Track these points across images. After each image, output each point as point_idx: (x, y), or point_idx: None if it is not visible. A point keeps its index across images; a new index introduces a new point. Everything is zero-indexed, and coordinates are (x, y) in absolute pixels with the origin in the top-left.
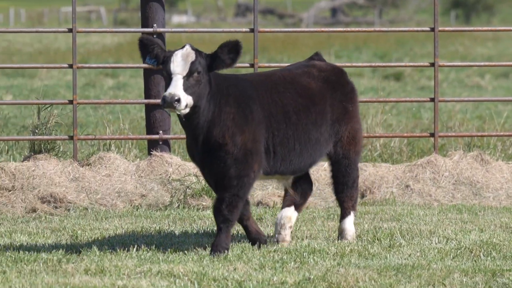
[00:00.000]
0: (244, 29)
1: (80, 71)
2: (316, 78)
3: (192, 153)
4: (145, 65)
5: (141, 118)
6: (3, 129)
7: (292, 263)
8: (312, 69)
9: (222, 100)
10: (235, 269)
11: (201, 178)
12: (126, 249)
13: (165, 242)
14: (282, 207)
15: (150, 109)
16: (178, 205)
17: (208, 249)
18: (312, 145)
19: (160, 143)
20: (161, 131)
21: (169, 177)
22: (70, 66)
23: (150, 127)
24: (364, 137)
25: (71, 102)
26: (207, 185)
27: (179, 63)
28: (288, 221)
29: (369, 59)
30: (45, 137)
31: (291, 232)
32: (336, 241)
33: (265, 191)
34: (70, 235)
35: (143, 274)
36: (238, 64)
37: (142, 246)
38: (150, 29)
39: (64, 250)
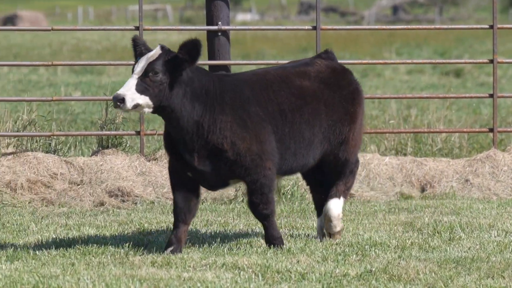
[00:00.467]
0: (307, 27)
1: None
2: (312, 78)
3: (171, 146)
4: (211, 62)
5: None
6: (72, 124)
7: (354, 255)
8: (310, 69)
9: (216, 107)
10: (298, 261)
11: None
12: (192, 241)
13: (230, 235)
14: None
15: None
16: (243, 199)
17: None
18: (306, 145)
19: None
20: None
21: None
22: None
23: None
24: (425, 132)
25: None
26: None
27: (140, 64)
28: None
29: (430, 56)
30: (113, 132)
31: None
32: (397, 234)
33: None
34: (137, 228)
35: (208, 266)
36: None
37: (208, 239)
38: (215, 27)
39: (131, 243)
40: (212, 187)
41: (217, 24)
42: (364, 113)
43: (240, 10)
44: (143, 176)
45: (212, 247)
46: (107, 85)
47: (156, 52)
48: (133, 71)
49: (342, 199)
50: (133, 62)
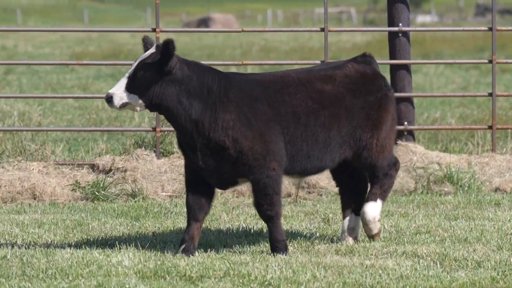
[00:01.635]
0: (483, 28)
1: None
2: (337, 82)
3: (182, 145)
4: (392, 61)
5: None
6: None
7: None
8: (337, 73)
9: (218, 105)
10: (474, 250)
11: (443, 165)
12: None
13: (410, 225)
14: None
15: (396, 102)
16: (422, 191)
17: (450, 230)
18: (320, 148)
19: (405, 133)
20: (406, 122)
21: (414, 164)
22: (322, 63)
23: (397, 119)
24: None
25: None
26: (449, 172)
27: (134, 64)
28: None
29: None
30: None
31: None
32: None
33: (503, 178)
34: (322, 218)
35: (389, 254)
36: (478, 60)
37: (388, 229)
38: (396, 28)
39: (317, 232)
40: (221, 185)
41: (398, 26)
42: (394, 119)
43: (420, 12)
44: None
45: (392, 236)
46: None
47: (149, 52)
48: None
49: (379, 201)
50: (318, 62)
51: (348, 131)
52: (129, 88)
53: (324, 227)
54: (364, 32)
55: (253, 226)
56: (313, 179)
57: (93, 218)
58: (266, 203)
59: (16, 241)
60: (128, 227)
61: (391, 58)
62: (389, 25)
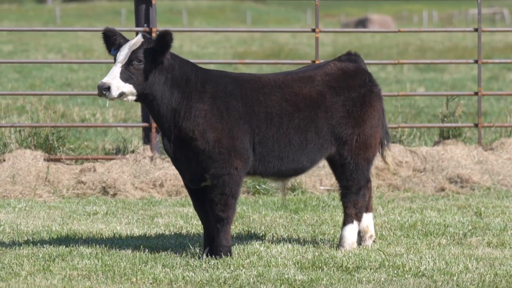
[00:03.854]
0: None
1: (484, 66)
2: (315, 83)
3: (164, 143)
4: None
5: None
6: (416, 117)
7: None
8: (317, 73)
9: (194, 95)
10: None
11: None
12: None
13: None
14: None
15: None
16: None
17: None
18: (295, 150)
19: None
20: None
21: None
22: (476, 62)
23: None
24: None
25: (476, 93)
26: None
27: (123, 53)
28: (367, 231)
29: None
30: (453, 124)
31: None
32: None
33: None
34: (474, 212)
35: None
36: None
37: None
38: None
39: (469, 225)
40: (191, 181)
41: None
42: (378, 116)
43: None
44: (480, 165)
45: None
46: (448, 81)
47: (138, 40)
48: (115, 59)
49: (355, 223)
50: (471, 61)
51: (328, 130)
52: (124, 78)
53: (476, 220)
54: None
55: (408, 219)
56: (466, 174)
57: (254, 211)
58: (221, 203)
59: (180, 233)
60: (287, 220)
61: None
62: None
